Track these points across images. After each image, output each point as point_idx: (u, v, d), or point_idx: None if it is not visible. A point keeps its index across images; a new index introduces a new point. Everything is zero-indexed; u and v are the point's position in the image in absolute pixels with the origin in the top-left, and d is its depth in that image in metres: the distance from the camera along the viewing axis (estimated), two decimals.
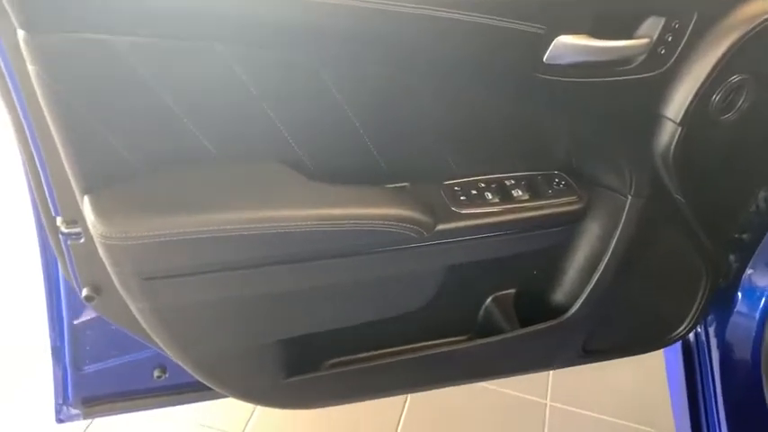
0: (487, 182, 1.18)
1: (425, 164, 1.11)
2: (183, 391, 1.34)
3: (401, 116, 1.02)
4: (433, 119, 1.04)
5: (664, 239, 1.29)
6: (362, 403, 1.41)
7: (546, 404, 2.23)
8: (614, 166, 1.21)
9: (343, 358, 1.28)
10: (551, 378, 2.33)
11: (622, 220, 1.24)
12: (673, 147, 1.11)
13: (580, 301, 1.31)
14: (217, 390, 1.19)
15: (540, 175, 1.23)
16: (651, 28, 1.00)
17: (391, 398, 1.47)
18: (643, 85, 1.04)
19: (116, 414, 1.35)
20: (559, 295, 1.40)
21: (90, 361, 1.25)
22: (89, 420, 1.96)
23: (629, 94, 1.05)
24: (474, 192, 1.15)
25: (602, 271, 1.28)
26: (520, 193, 1.18)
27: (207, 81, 0.89)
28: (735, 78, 1.04)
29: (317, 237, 0.99)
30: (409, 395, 2.13)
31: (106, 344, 1.25)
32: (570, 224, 1.22)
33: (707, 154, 1.14)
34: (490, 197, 1.16)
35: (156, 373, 1.30)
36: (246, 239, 0.93)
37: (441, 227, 1.08)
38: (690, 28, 1.00)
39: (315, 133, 0.98)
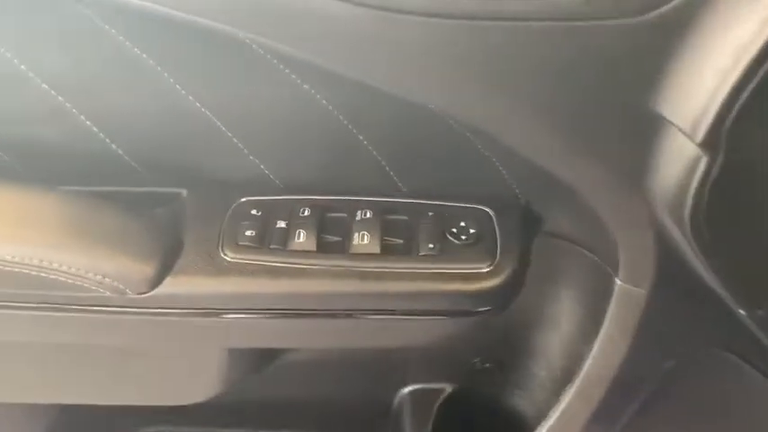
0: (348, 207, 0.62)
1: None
2: None
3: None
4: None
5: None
6: None
7: None
8: (579, 215, 0.58)
9: None
10: None
11: (608, 319, 0.60)
12: (693, 191, 0.46)
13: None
14: None
15: (461, 208, 0.62)
16: None
17: None
18: (615, 45, 0.45)
19: None
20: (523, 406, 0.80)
21: None
22: None
23: (585, 66, 0.46)
24: (294, 222, 0.60)
25: (577, 388, 0.66)
26: (393, 239, 0.60)
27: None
28: None
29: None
30: None
31: None
32: (466, 316, 0.61)
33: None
34: (328, 237, 0.60)
35: None
36: None
37: (165, 289, 0.55)
38: None
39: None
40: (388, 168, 0.61)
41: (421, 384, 0.87)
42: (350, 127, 0.57)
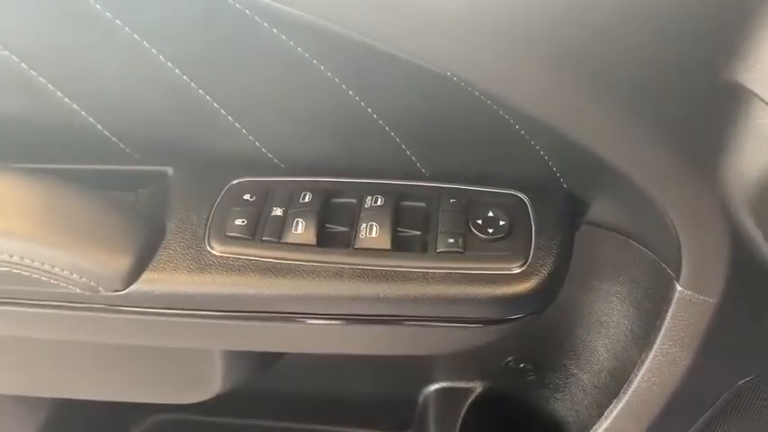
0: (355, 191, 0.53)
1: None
2: None
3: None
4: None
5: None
6: None
7: None
8: (634, 205, 0.48)
9: None
10: None
11: (665, 329, 0.50)
12: None
13: None
14: None
15: (490, 193, 0.53)
16: None
17: None
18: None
19: None
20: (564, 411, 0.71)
21: None
22: None
23: (643, 21, 0.36)
24: (288, 211, 0.51)
25: (625, 404, 0.56)
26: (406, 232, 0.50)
27: None
28: None
29: None
30: None
31: None
32: (491, 324, 0.51)
33: None
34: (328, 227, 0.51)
35: None
36: None
37: (141, 286, 0.48)
38: None
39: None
40: (404, 147, 0.51)
41: (449, 383, 0.78)
42: (359, 101, 0.48)
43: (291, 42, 0.45)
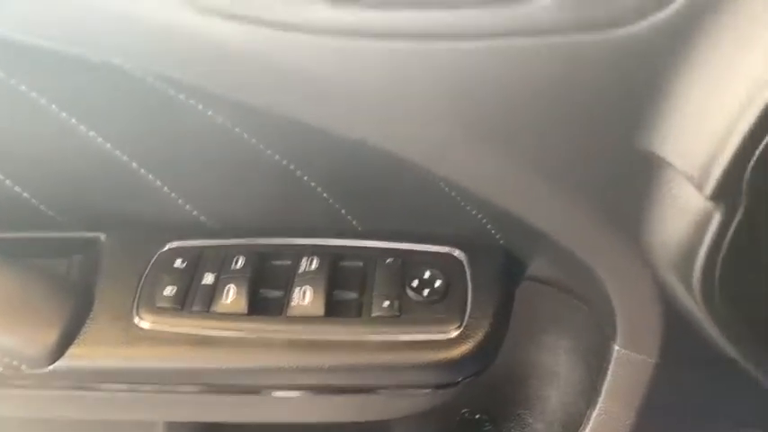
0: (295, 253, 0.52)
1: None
2: None
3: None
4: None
5: None
6: None
7: None
8: (568, 265, 0.48)
9: None
10: None
11: (606, 389, 0.49)
12: (704, 252, 0.35)
13: None
14: None
15: (426, 253, 0.52)
16: None
17: None
18: (600, 65, 0.34)
19: None
20: None
21: None
22: None
23: (566, 91, 0.35)
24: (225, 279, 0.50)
25: None
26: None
27: None
28: None
29: None
30: None
31: None
32: (431, 389, 0.50)
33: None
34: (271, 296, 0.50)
35: None
36: None
37: (66, 362, 0.46)
38: None
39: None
40: (338, 206, 0.50)
41: None
42: (287, 164, 0.47)
43: (219, 118, 0.44)
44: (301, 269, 0.50)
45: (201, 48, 0.36)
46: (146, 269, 0.50)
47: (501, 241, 0.52)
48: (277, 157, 0.46)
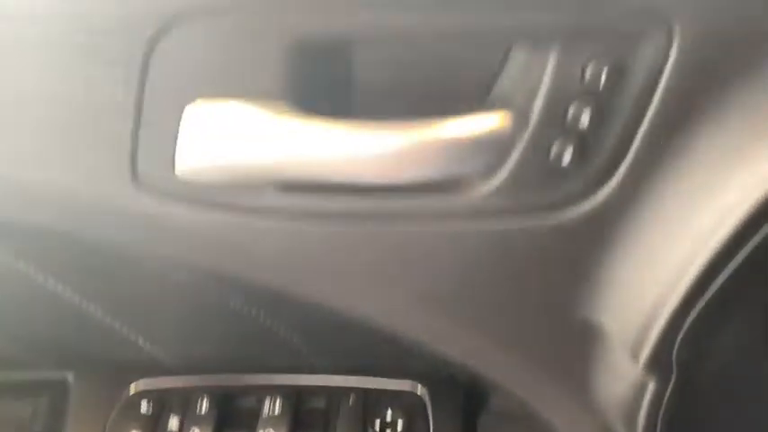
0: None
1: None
2: None
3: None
4: None
5: None
6: None
7: None
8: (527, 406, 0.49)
9: None
10: None
11: None
12: (643, 415, 0.37)
13: None
14: None
15: (388, 391, 0.53)
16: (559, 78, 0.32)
17: None
18: (546, 245, 0.37)
19: None
20: None
21: None
22: None
23: (506, 267, 0.38)
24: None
25: None
26: None
27: None
28: None
29: None
30: None
31: None
32: None
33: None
34: None
35: None
36: None
37: None
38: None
39: None
40: (299, 345, 0.52)
41: None
42: (251, 311, 0.49)
43: (182, 275, 0.46)
44: (264, 413, 0.51)
45: (148, 223, 0.38)
46: (111, 414, 0.51)
47: (462, 377, 0.53)
48: (238, 303, 0.48)
